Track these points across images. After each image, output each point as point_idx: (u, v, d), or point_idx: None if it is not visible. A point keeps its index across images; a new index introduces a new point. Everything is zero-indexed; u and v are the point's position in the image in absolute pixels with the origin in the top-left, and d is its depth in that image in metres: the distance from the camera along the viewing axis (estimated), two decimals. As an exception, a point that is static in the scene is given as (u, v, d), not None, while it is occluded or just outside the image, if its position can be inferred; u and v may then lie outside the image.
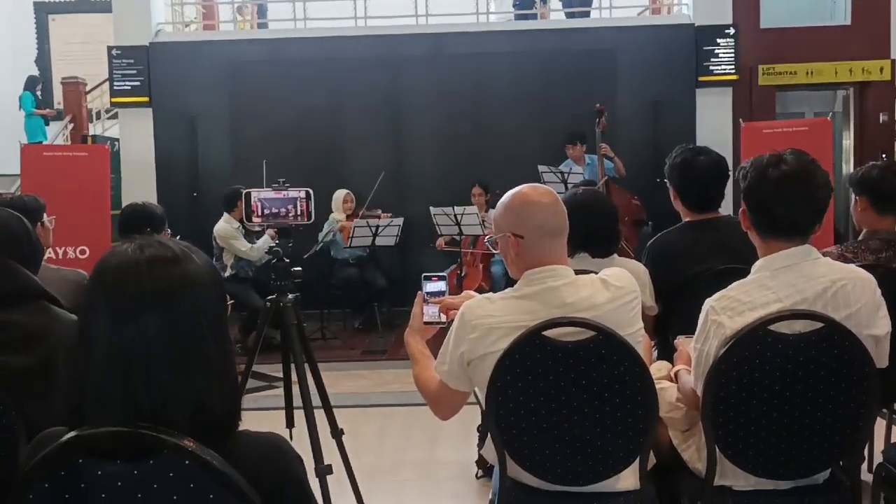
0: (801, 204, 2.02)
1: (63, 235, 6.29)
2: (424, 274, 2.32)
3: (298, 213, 2.34)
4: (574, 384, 1.95)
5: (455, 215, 6.72)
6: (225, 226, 6.33)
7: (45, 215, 3.12)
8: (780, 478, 2.05)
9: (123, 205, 8.32)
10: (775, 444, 1.99)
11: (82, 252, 6.31)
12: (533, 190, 2.07)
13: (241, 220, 6.40)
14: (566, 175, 7.03)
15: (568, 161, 7.36)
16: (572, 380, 1.95)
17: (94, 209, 6.16)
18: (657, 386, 2.40)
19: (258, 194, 2.33)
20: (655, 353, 3.09)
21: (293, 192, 2.31)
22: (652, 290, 3.01)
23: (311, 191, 2.35)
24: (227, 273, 6.31)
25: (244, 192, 2.41)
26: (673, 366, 2.46)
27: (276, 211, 2.33)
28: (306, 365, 2.49)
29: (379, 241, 6.85)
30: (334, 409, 2.80)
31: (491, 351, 1.97)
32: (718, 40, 8.06)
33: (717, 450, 2.04)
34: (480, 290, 6.12)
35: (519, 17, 8.81)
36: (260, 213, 2.35)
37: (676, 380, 2.36)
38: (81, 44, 12.13)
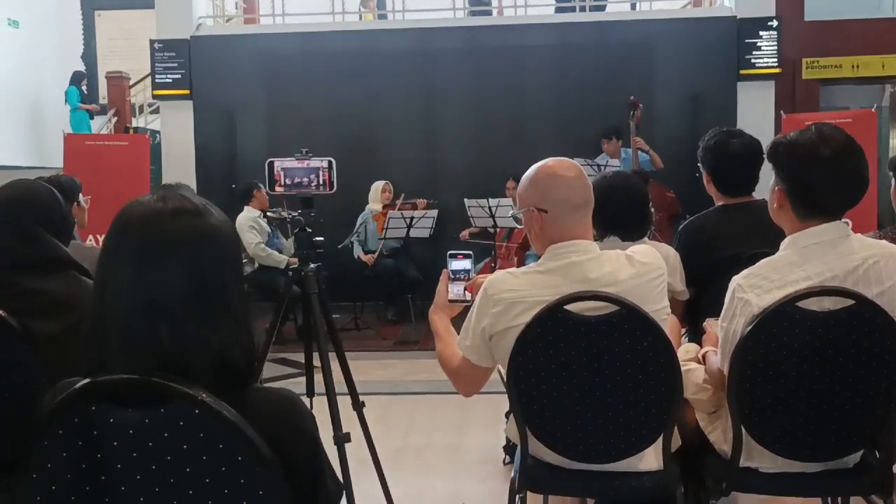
0: (853, 182, 1.96)
1: (103, 222, 6.40)
2: (450, 252, 2.31)
3: (321, 182, 2.35)
4: (596, 359, 1.93)
5: (489, 207, 6.70)
6: (245, 215, 6.42)
7: (80, 195, 3.18)
8: (807, 459, 2.00)
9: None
10: (803, 425, 1.94)
11: (121, 239, 6.38)
12: (558, 163, 2.06)
13: (262, 210, 6.48)
14: (602, 168, 6.97)
15: (603, 154, 7.30)
16: (594, 355, 1.93)
17: (133, 197, 6.24)
18: (684, 368, 2.37)
19: (281, 163, 2.36)
20: (686, 339, 3.05)
21: (315, 162, 2.33)
22: (683, 274, 2.96)
23: (332, 160, 2.36)
24: (257, 265, 6.36)
25: (267, 162, 2.43)
26: (701, 348, 2.42)
27: (299, 180, 2.35)
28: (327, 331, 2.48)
29: (413, 233, 6.86)
30: (364, 396, 2.80)
31: (513, 325, 1.96)
32: (761, 33, 7.91)
33: (743, 430, 1.99)
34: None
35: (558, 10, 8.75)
36: (283, 183, 2.37)
37: (704, 361, 2.32)
38: (126, 39, 12.34)
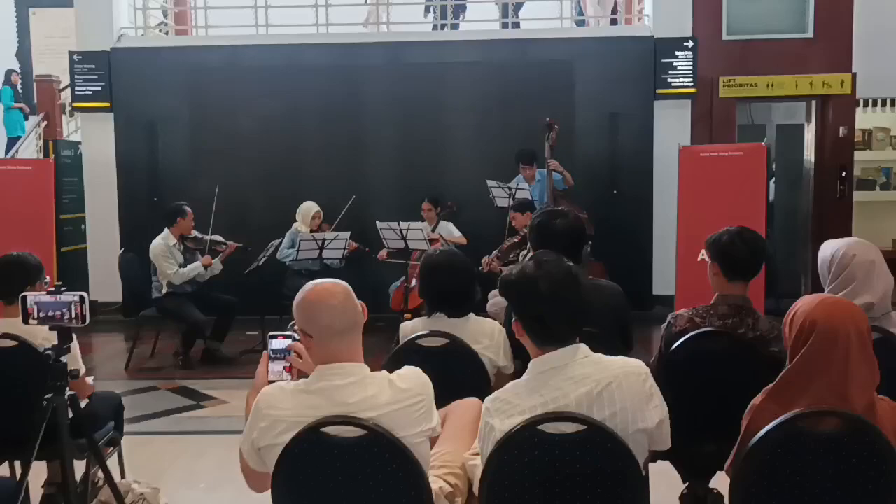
0: (573, 313, 2.06)
1: (4, 247, 6.38)
2: (271, 333, 2.39)
3: (73, 315, 2.43)
4: (351, 480, 2.03)
5: (400, 230, 6.77)
6: (160, 243, 6.36)
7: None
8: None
9: (87, 210, 8.41)
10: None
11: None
12: (324, 289, 2.14)
13: (180, 238, 6.46)
14: (514, 191, 7.09)
15: (518, 177, 7.40)
16: (348, 476, 2.02)
17: (36, 223, 6.25)
18: (472, 462, 2.49)
19: (34, 298, 2.44)
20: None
21: (67, 297, 2.40)
22: (508, 348, 3.07)
23: (85, 295, 2.44)
24: (164, 291, 6.37)
25: (21, 296, 2.49)
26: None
27: (52, 314, 2.43)
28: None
29: (326, 255, 6.91)
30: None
31: (275, 443, 2.05)
32: (677, 53, 8.05)
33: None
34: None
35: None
36: (36, 316, 2.45)
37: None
38: (62, 38, 12.16)
